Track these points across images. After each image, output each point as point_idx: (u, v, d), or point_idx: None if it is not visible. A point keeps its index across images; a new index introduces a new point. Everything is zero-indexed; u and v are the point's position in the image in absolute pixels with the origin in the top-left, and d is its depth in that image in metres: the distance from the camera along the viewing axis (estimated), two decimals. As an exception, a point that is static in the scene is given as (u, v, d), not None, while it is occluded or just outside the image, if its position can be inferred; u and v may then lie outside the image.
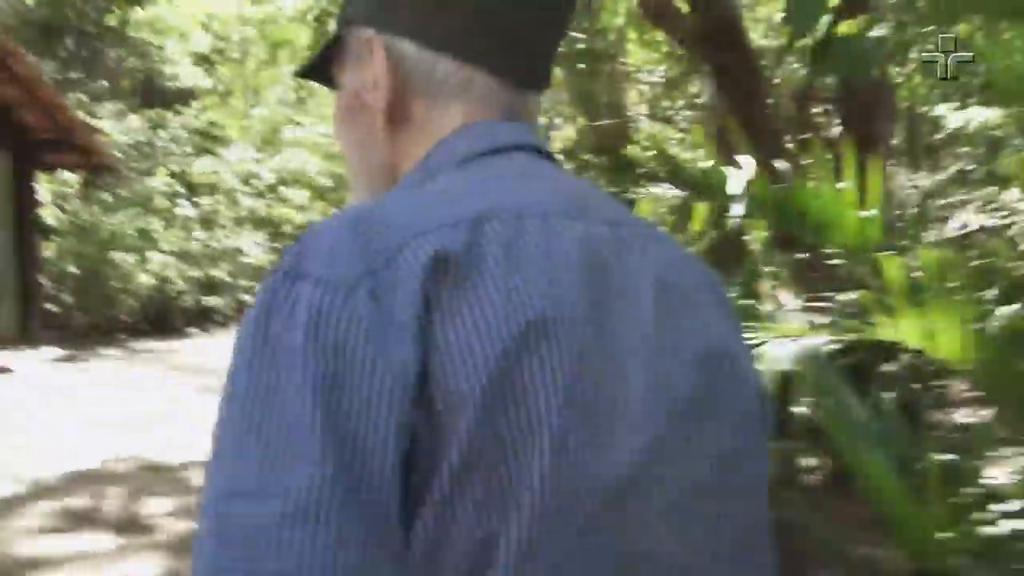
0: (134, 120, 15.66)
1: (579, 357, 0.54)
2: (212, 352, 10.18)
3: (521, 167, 0.64)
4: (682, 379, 0.59)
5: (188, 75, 19.03)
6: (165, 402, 7.35)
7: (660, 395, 0.58)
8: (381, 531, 0.49)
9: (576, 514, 0.53)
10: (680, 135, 12.02)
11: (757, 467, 0.64)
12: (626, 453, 0.55)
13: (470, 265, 0.53)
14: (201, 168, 15.90)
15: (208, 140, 18.26)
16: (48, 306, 11.84)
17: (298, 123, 19.11)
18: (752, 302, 2.43)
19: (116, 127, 15.22)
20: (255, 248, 14.82)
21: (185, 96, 19.16)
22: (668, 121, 12.23)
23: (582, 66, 10.54)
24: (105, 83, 17.93)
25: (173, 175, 15.26)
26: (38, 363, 9.83)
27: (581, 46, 9.85)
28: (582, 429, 0.53)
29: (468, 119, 0.66)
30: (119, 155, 14.99)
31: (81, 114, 13.28)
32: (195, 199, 15.13)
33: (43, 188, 13.01)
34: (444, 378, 0.51)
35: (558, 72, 11.12)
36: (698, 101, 11.05)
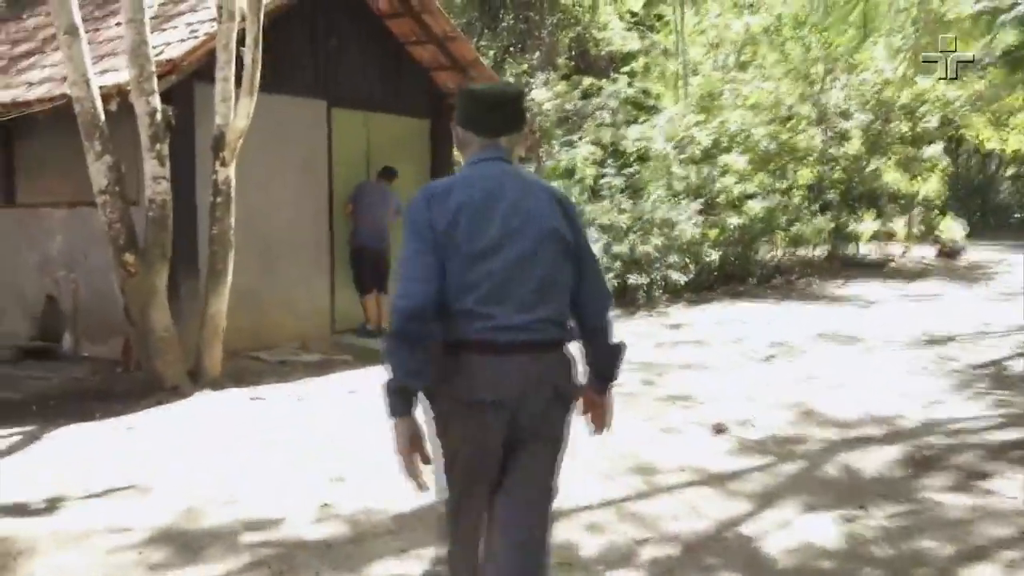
0: (562, 88, 14.71)
1: (473, 217, 2.33)
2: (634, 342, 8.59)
3: (484, 167, 2.47)
4: (515, 223, 2.36)
5: (620, 40, 17.80)
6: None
7: (506, 229, 2.34)
8: (433, 258, 2.31)
9: (472, 258, 2.31)
10: None
11: (557, 255, 2.41)
12: (489, 245, 2.32)
13: (444, 197, 2.37)
14: (632, 135, 14.46)
15: (640, 108, 16.88)
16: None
17: (737, 84, 16.84)
18: None
19: (544, 95, 14.38)
20: (687, 220, 12.93)
21: (617, 62, 18.01)
22: None
23: None
24: (538, 53, 17.38)
25: (600, 144, 14.01)
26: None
27: None
28: (473, 235, 2.31)
29: (476, 153, 2.50)
30: (545, 124, 14.12)
31: (510, 79, 12.54)
32: (624, 168, 13.71)
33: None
34: (433, 222, 2.33)
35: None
36: None
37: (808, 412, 6.14)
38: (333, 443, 5.29)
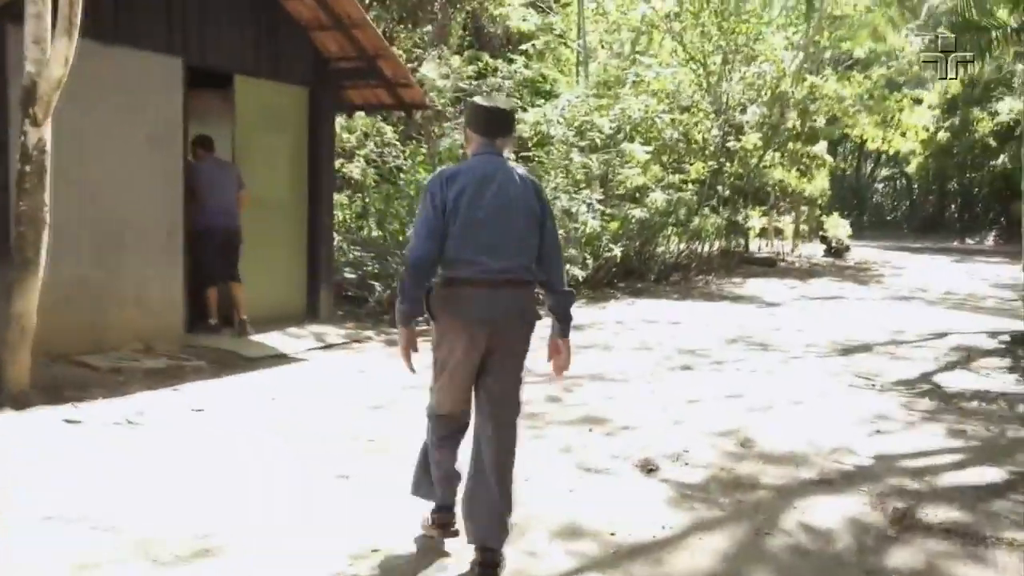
0: (457, 63, 13.53)
1: (471, 197, 3.32)
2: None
3: (483, 159, 3.46)
4: (501, 200, 3.36)
5: (519, 18, 16.73)
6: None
7: (494, 204, 3.34)
8: (439, 224, 3.30)
9: (469, 222, 3.30)
10: None
11: (528, 224, 3.40)
12: (482, 214, 3.31)
13: (454, 178, 3.36)
14: (530, 119, 13.43)
15: (536, 93, 15.88)
16: (348, 274, 9.88)
17: (640, 68, 16.01)
18: None
19: (435, 72, 13.17)
20: (588, 212, 12.03)
21: (512, 43, 16.97)
22: None
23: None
24: (430, 28, 16.15)
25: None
26: (322, 350, 7.72)
27: None
28: (470, 208, 3.31)
29: (477, 148, 3.52)
30: (440, 101, 12.94)
31: (400, 53, 11.29)
32: (520, 155, 12.68)
33: (345, 132, 11.16)
34: (446, 197, 3.32)
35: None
36: None
37: (745, 442, 5.26)
38: (164, 498, 4.05)
